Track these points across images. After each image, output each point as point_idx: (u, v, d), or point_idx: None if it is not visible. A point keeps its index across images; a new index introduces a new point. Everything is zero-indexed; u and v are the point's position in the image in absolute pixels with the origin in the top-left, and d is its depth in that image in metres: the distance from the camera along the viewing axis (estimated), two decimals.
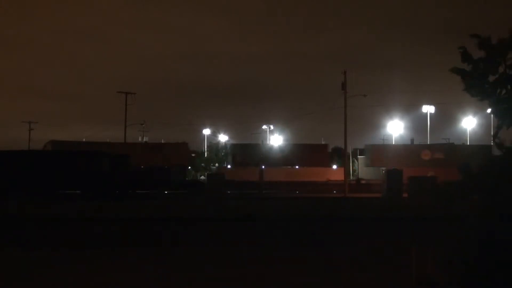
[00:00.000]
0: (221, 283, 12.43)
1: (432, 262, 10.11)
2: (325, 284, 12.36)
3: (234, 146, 75.22)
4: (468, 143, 77.60)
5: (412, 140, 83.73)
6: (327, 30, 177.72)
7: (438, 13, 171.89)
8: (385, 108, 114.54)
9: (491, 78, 4.75)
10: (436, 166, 52.96)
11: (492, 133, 4.78)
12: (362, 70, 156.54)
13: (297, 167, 60.99)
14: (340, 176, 54.43)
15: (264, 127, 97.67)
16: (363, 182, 54.93)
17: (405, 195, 42.88)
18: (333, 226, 24.02)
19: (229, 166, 77.45)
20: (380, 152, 60.12)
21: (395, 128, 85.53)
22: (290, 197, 45.97)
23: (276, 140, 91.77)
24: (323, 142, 77.38)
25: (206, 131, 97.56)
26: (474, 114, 74.13)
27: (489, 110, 4.84)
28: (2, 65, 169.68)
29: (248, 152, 64.44)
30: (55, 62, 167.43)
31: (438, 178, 41.67)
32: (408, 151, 60.41)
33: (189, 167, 70.06)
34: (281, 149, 66.84)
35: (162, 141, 78.57)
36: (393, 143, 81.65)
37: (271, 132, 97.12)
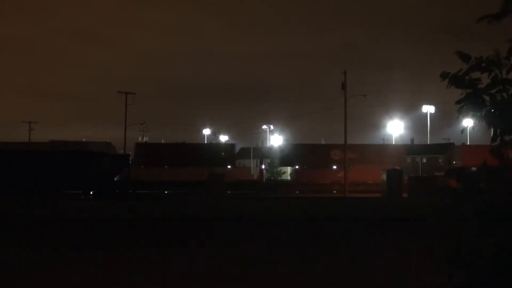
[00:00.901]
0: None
1: (431, 262, 10.11)
2: (326, 283, 12.38)
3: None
4: (468, 143, 77.66)
5: (412, 140, 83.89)
6: (327, 30, 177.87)
7: (438, 13, 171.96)
8: (385, 108, 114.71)
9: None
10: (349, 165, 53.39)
11: (491, 139, 4.78)
12: (362, 70, 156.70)
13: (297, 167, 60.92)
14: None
15: (264, 127, 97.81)
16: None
17: (405, 195, 42.89)
18: (334, 226, 24.03)
19: (229, 166, 77.38)
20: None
21: (395, 128, 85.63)
22: (290, 198, 45.95)
23: (276, 140, 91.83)
24: (323, 142, 77.41)
25: (206, 131, 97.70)
26: (472, 117, 74.12)
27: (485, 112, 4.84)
28: (2, 65, 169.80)
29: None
30: (55, 62, 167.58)
31: (438, 178, 41.71)
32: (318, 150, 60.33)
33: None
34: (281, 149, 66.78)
35: (162, 141, 78.62)
36: (393, 143, 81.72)
37: (271, 132, 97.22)
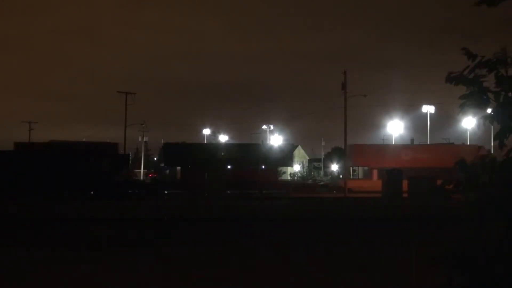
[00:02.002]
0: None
1: (431, 262, 10.10)
2: (326, 283, 12.38)
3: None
4: (468, 143, 77.65)
5: (412, 140, 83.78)
6: (327, 30, 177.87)
7: (438, 13, 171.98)
8: (385, 108, 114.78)
9: (489, 84, 4.75)
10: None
11: (493, 135, 4.78)
12: (362, 70, 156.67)
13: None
14: None
15: (264, 127, 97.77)
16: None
17: (405, 195, 42.85)
18: (335, 226, 24.02)
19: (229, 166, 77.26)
20: None
21: (395, 128, 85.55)
22: (290, 198, 45.94)
23: (276, 140, 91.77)
24: (323, 143, 77.42)
25: (206, 131, 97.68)
26: (476, 120, 74.26)
27: (489, 110, 4.82)
28: (2, 65, 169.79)
29: None
30: (55, 62, 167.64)
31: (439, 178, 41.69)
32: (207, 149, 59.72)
33: None
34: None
35: (162, 141, 78.61)
36: (393, 143, 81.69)
37: (271, 132, 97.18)
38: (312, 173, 79.14)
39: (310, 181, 64.49)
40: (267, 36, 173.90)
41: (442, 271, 4.80)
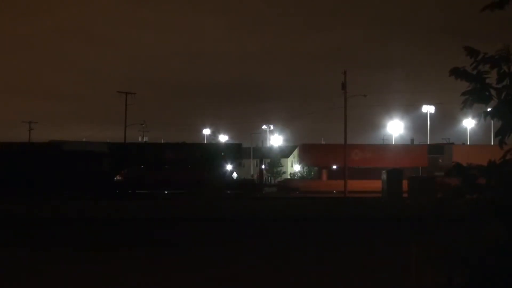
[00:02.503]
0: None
1: (431, 263, 10.10)
2: (326, 283, 12.38)
3: None
4: (468, 143, 77.68)
5: (412, 140, 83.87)
6: (327, 30, 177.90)
7: (438, 13, 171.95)
8: (385, 108, 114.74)
9: (491, 81, 4.76)
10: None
11: (493, 134, 4.79)
12: (362, 70, 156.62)
13: None
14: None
15: (264, 127, 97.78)
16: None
17: (405, 195, 42.84)
18: (333, 226, 24.02)
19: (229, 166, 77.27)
20: None
21: (395, 128, 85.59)
22: (291, 197, 45.96)
23: (276, 140, 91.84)
24: (323, 142, 77.35)
25: (206, 131, 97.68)
26: (474, 117, 74.15)
27: (490, 109, 4.83)
28: (2, 65, 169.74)
29: None
30: (55, 62, 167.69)
31: (438, 178, 41.65)
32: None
33: None
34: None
35: (162, 141, 78.58)
36: (393, 143, 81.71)
37: (271, 132, 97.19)
38: (312, 173, 79.13)
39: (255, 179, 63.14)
40: (267, 36, 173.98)
41: (442, 271, 4.80)
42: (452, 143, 75.96)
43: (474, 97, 4.76)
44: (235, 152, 53.06)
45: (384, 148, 61.06)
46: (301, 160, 62.33)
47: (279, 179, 68.40)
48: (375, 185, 50.33)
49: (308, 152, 59.44)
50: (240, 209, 30.88)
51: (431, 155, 65.82)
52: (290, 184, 59.77)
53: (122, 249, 17.76)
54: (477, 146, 63.93)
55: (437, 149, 66.07)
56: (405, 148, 59.40)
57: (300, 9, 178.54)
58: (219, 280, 12.70)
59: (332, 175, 57.87)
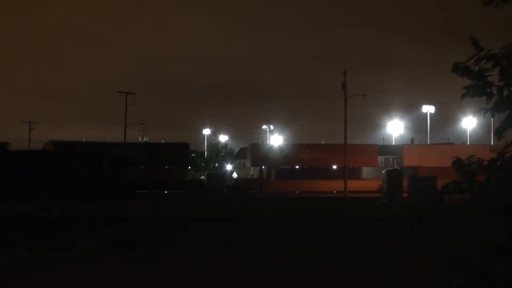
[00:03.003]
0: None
1: (431, 263, 10.11)
2: (326, 283, 12.37)
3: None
4: (468, 143, 77.69)
5: (412, 140, 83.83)
6: (327, 30, 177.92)
7: (438, 13, 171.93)
8: (385, 108, 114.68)
9: (492, 78, 4.76)
10: None
11: (493, 133, 4.80)
12: (362, 70, 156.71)
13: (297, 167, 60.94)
14: None
15: (264, 127, 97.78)
16: None
17: (404, 195, 42.83)
18: (333, 226, 24.02)
19: (230, 166, 77.49)
20: None
21: (395, 128, 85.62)
22: (291, 197, 45.96)
23: (276, 140, 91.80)
24: (323, 142, 77.36)
25: (206, 131, 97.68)
26: (474, 114, 74.04)
27: (489, 105, 4.83)
28: (2, 65, 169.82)
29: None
30: (55, 62, 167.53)
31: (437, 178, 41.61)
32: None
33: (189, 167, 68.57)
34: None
35: (162, 141, 78.59)
36: (393, 143, 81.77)
37: (271, 132, 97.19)
38: None
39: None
40: (267, 36, 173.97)
41: (442, 271, 4.80)
42: (452, 143, 76.06)
43: (475, 93, 4.77)
44: (179, 152, 51.79)
45: (333, 148, 61.09)
46: (251, 161, 62.18)
47: None
48: (329, 185, 51.46)
49: (257, 152, 59.58)
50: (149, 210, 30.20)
51: (388, 156, 66.83)
52: (244, 185, 59.80)
53: (122, 249, 17.77)
54: (427, 146, 64.03)
55: (396, 150, 66.32)
56: (355, 148, 59.30)
57: (300, 9, 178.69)
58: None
59: (280, 175, 58.72)
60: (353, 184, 52.52)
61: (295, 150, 59.89)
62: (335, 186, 53.88)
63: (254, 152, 60.58)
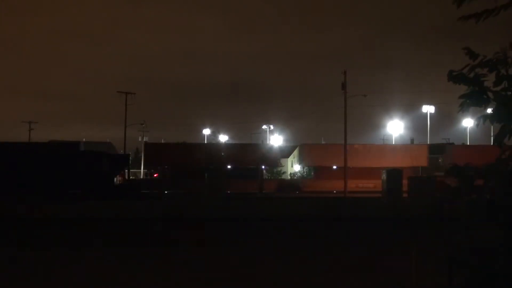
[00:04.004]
0: None
1: (431, 263, 10.12)
2: (326, 283, 12.38)
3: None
4: (468, 143, 77.72)
5: (412, 140, 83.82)
6: (327, 30, 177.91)
7: (438, 13, 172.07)
8: (385, 108, 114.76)
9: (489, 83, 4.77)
10: None
11: (493, 133, 4.80)
12: (362, 70, 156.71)
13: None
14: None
15: (264, 127, 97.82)
16: None
17: (404, 195, 42.80)
18: (333, 226, 24.04)
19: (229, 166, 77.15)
20: None
21: (395, 128, 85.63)
22: (292, 197, 45.93)
23: (276, 140, 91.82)
24: (323, 142, 77.38)
25: (206, 131, 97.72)
26: (474, 119, 74.03)
27: (489, 110, 4.83)
28: (2, 65, 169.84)
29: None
30: (55, 62, 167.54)
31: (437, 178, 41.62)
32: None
33: None
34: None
35: (162, 141, 78.60)
36: (393, 143, 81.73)
37: (271, 132, 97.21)
38: (312, 173, 79.21)
39: None
40: (267, 36, 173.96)
41: (442, 271, 4.81)
42: (452, 143, 76.09)
43: (472, 100, 4.77)
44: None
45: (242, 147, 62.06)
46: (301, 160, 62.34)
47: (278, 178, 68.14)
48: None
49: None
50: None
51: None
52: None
53: (122, 249, 17.78)
54: (400, 146, 63.76)
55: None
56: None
57: (300, 9, 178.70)
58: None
59: None
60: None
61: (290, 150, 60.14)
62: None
63: (304, 152, 60.56)
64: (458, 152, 57.23)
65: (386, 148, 60.30)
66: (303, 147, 61.09)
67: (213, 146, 63.03)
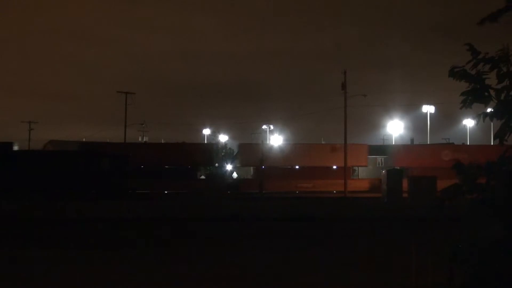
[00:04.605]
0: None
1: (431, 262, 10.11)
2: (326, 283, 12.37)
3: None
4: (468, 143, 77.74)
5: (412, 140, 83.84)
6: (327, 29, 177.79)
7: (438, 13, 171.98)
8: (385, 108, 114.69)
9: (490, 81, 4.76)
10: None
11: (493, 134, 4.78)
12: (362, 70, 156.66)
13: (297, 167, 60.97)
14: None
15: (264, 127, 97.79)
16: None
17: (404, 195, 42.83)
18: (333, 226, 24.04)
19: (229, 166, 77.48)
20: None
21: (395, 128, 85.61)
22: (292, 197, 45.97)
23: (276, 140, 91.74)
24: (323, 142, 77.35)
25: (206, 131, 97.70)
26: (474, 118, 74.09)
27: (489, 110, 4.82)
28: (2, 65, 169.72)
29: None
30: (55, 62, 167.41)
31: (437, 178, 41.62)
32: None
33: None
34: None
35: (162, 141, 78.60)
36: (393, 143, 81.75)
37: (271, 132, 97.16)
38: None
39: None
40: (267, 36, 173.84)
41: (442, 271, 4.79)
42: (452, 143, 76.12)
43: (474, 97, 4.76)
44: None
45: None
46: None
47: None
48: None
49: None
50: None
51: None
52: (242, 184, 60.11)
53: (122, 249, 17.78)
54: (306, 145, 63.62)
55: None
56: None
57: (299, 9, 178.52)
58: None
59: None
60: (351, 185, 54.18)
61: (287, 149, 60.26)
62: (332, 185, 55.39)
63: (242, 152, 60.92)
64: (400, 153, 58.62)
65: (326, 147, 60.62)
66: (241, 146, 62.39)
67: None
